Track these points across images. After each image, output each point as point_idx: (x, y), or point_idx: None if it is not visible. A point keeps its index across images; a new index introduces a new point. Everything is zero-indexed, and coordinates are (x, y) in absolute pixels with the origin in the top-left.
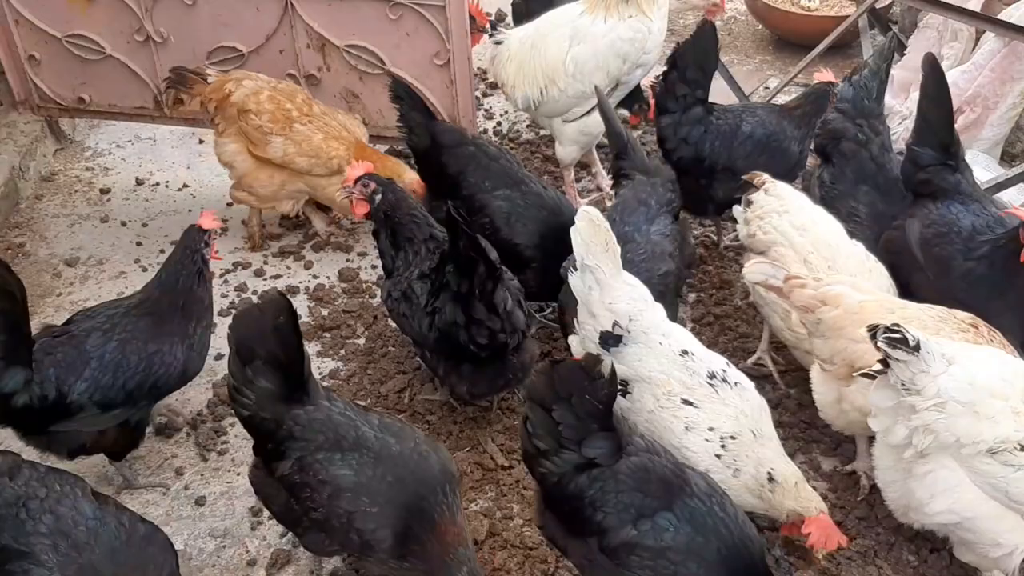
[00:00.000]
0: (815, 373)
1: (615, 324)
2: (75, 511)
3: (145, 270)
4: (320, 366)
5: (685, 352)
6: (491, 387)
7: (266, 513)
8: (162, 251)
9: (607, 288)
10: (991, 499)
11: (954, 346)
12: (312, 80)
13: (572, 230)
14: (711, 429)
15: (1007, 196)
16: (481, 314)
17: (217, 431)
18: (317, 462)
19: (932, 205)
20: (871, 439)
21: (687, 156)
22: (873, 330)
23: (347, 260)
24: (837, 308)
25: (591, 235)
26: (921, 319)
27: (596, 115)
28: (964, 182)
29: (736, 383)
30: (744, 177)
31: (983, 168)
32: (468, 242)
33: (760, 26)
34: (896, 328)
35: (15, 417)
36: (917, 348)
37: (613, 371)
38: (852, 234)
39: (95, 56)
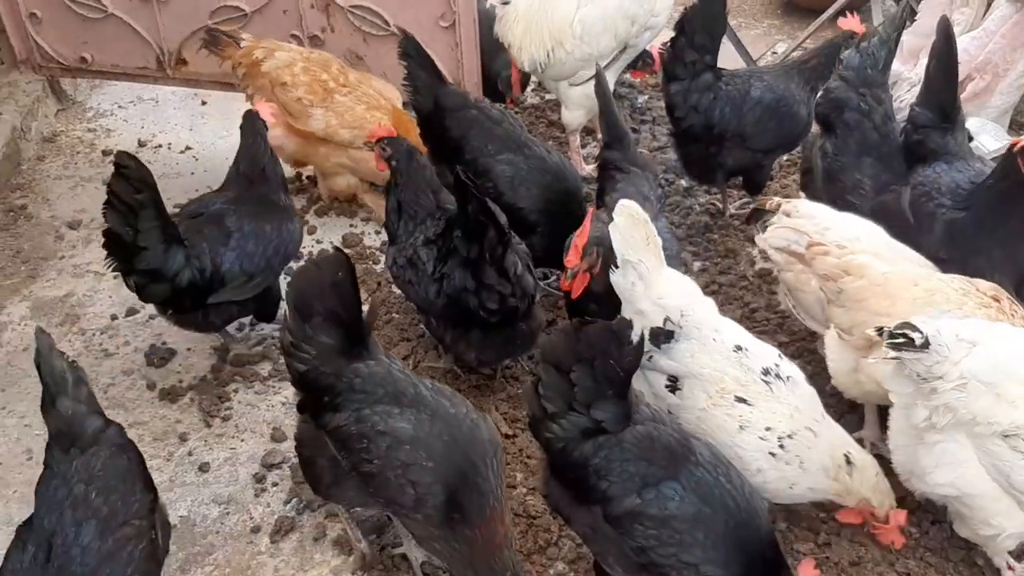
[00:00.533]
0: (831, 340)
1: (667, 320)
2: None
3: None
4: None
5: (739, 348)
6: (499, 354)
7: (270, 480)
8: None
9: (652, 283)
10: (992, 480)
11: (980, 326)
12: (316, 41)
13: (611, 226)
14: (768, 429)
15: None
16: (492, 279)
17: (221, 397)
18: (376, 414)
19: (921, 168)
20: (880, 408)
21: (697, 124)
22: (879, 331)
23: (351, 225)
24: (861, 279)
25: (630, 230)
26: (944, 291)
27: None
28: (952, 143)
29: (788, 377)
30: (755, 204)
31: (991, 136)
32: (478, 206)
33: None
34: (899, 332)
35: (180, 296)
36: (925, 345)
37: (642, 339)
38: (857, 207)
39: (97, 14)
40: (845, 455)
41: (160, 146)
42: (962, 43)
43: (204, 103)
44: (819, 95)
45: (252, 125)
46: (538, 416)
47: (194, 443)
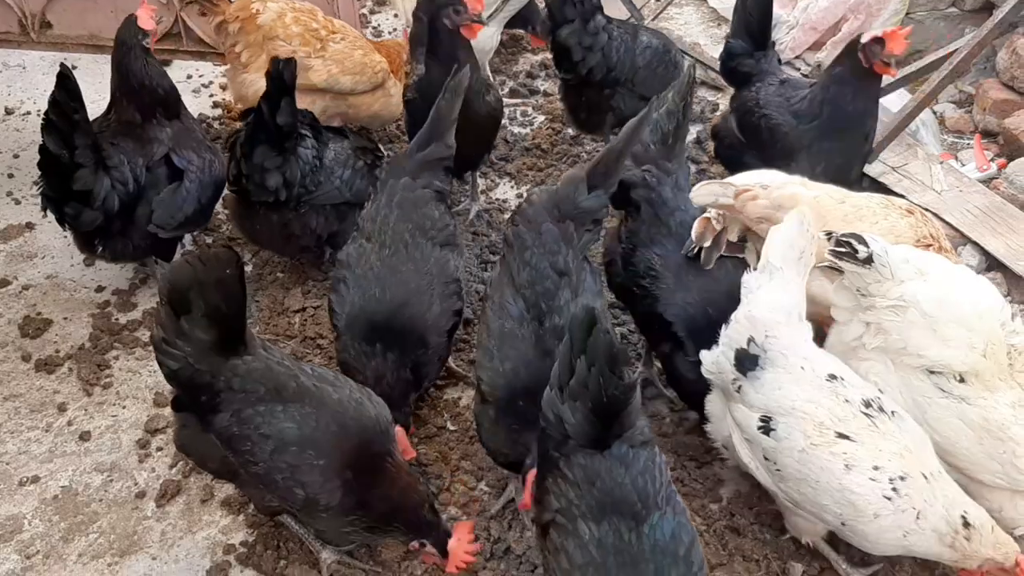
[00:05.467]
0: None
1: (750, 340)
2: None
3: (18, 203)
4: None
5: (833, 377)
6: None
7: (155, 445)
8: (36, 183)
9: (769, 295)
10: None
11: (935, 260)
12: None
13: (774, 228)
14: (876, 468)
15: (888, 100)
16: (236, 158)
17: (100, 365)
18: (259, 415)
19: (740, 92)
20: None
21: (596, 64)
22: (828, 234)
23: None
24: (794, 208)
25: (795, 238)
26: (870, 206)
27: (488, 30)
28: (765, 64)
29: (893, 412)
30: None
31: None
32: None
33: None
34: (845, 241)
35: (110, 221)
36: (868, 261)
37: (631, 386)
38: (653, 294)
39: None
40: (962, 516)
41: (28, 113)
42: None
43: (74, 67)
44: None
45: (128, 30)
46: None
47: (74, 412)
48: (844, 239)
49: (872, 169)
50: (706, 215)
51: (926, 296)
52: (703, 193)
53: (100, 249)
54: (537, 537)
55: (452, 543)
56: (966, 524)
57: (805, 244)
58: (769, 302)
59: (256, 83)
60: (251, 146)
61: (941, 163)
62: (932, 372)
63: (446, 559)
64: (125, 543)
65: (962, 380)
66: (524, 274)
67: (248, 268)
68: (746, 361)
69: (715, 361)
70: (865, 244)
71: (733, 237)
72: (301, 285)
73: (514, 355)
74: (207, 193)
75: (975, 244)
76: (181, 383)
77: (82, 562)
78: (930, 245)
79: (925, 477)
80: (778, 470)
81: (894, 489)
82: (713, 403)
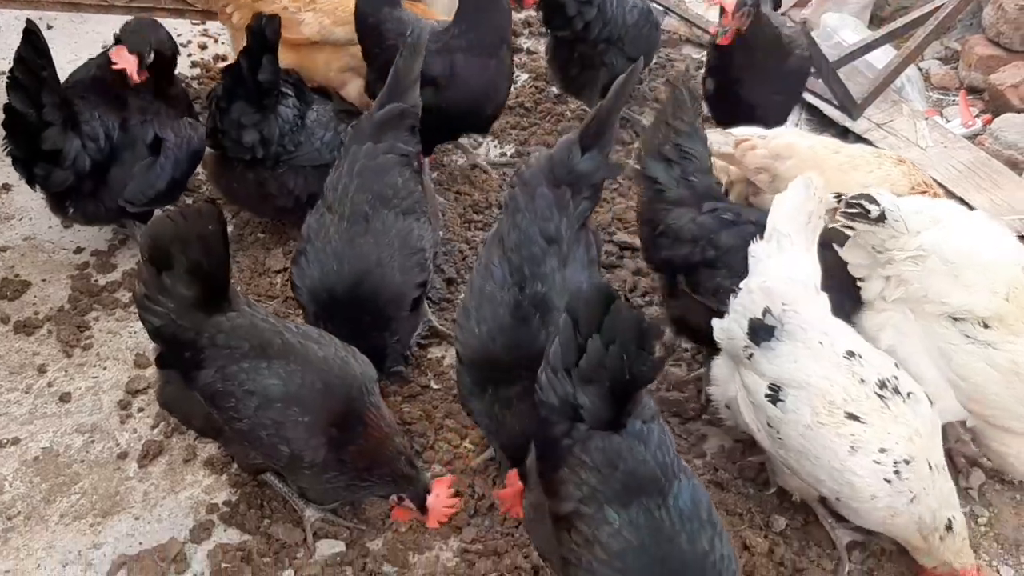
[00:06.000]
0: None
1: (766, 311)
2: None
3: None
4: None
5: (851, 354)
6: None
7: (136, 405)
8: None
9: (779, 263)
10: (933, 364)
11: (948, 207)
12: None
13: (779, 195)
14: (882, 451)
15: (873, 57)
16: (213, 112)
17: (80, 326)
18: (243, 371)
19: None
20: None
21: (593, 20)
22: (838, 197)
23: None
24: (791, 158)
25: (801, 203)
26: (864, 156)
27: None
28: None
29: (909, 394)
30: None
31: (851, 31)
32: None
33: None
34: (855, 202)
35: (81, 180)
36: (881, 219)
37: (664, 359)
38: None
39: None
40: (949, 519)
41: (3, 73)
42: None
43: (50, 27)
44: None
45: None
46: (542, 366)
47: (54, 374)
48: (854, 201)
49: (857, 126)
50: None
51: (946, 243)
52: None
53: (71, 211)
54: (553, 532)
55: (431, 499)
56: (948, 527)
57: (813, 208)
58: (784, 273)
59: None
60: (228, 101)
61: (926, 119)
62: (956, 319)
63: (425, 515)
64: (107, 504)
65: (986, 326)
66: (513, 237)
67: (229, 228)
68: (761, 331)
69: (726, 328)
70: (876, 203)
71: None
72: (283, 246)
73: (490, 318)
74: (182, 168)
75: (959, 199)
76: (164, 340)
77: (64, 523)
78: (924, 192)
79: (930, 466)
80: (780, 439)
81: (896, 472)
82: (719, 366)
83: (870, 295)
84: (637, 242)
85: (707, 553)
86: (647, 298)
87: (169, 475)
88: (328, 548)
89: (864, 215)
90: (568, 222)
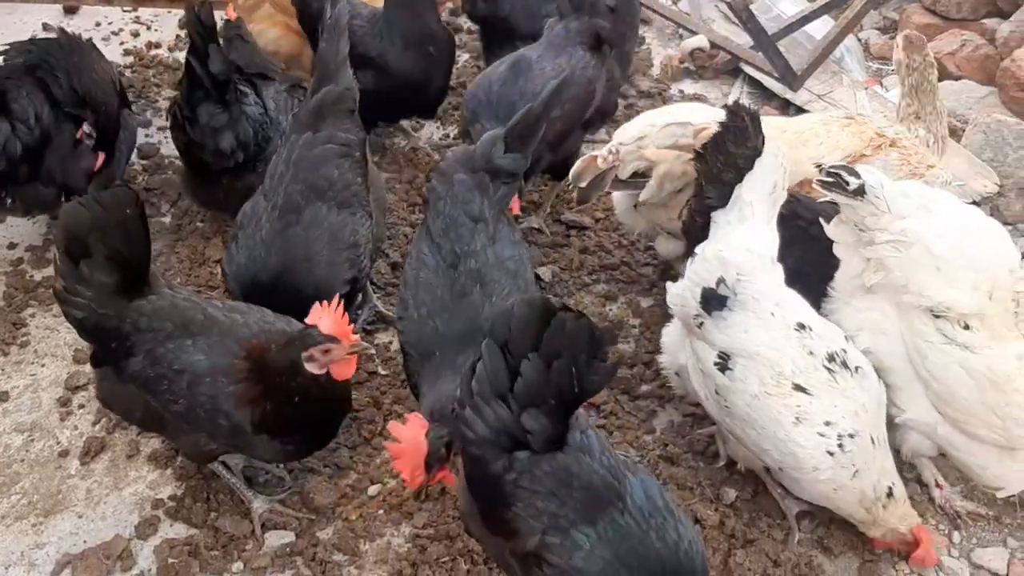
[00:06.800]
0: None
1: (720, 281)
2: None
3: None
4: None
5: (802, 326)
6: (202, 200)
7: (76, 402)
8: None
9: (736, 233)
10: (908, 362)
11: (944, 198)
12: None
13: (757, 161)
14: (827, 424)
15: (812, 28)
16: (179, 122)
17: (16, 323)
18: (170, 352)
19: None
20: None
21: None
22: (819, 166)
23: (146, 136)
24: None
25: (768, 172)
26: (812, 128)
27: None
28: None
29: (857, 368)
30: (578, 185)
31: (790, 3)
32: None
33: None
34: (834, 172)
35: (14, 167)
36: (859, 192)
37: (615, 365)
38: None
39: None
40: (889, 487)
41: None
42: None
43: None
44: None
45: None
46: (463, 400)
47: None
48: (834, 170)
49: (798, 97)
50: (593, 154)
51: (932, 233)
52: (664, 135)
53: (9, 201)
54: (519, 570)
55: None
56: (889, 494)
57: (778, 179)
58: (742, 242)
59: (266, 33)
60: (192, 108)
61: (866, 89)
62: (937, 316)
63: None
64: (50, 503)
65: (966, 327)
66: (438, 224)
67: (167, 219)
68: (713, 301)
69: (679, 295)
70: (856, 175)
71: (624, 175)
72: (222, 235)
73: (429, 300)
74: (122, 163)
75: None
76: (89, 331)
77: (5, 524)
78: (880, 145)
79: (873, 441)
80: (727, 407)
81: (840, 445)
82: (670, 333)
83: (848, 275)
84: (585, 221)
85: (677, 543)
86: (593, 276)
87: (112, 472)
88: (277, 539)
89: (842, 186)
90: (489, 203)
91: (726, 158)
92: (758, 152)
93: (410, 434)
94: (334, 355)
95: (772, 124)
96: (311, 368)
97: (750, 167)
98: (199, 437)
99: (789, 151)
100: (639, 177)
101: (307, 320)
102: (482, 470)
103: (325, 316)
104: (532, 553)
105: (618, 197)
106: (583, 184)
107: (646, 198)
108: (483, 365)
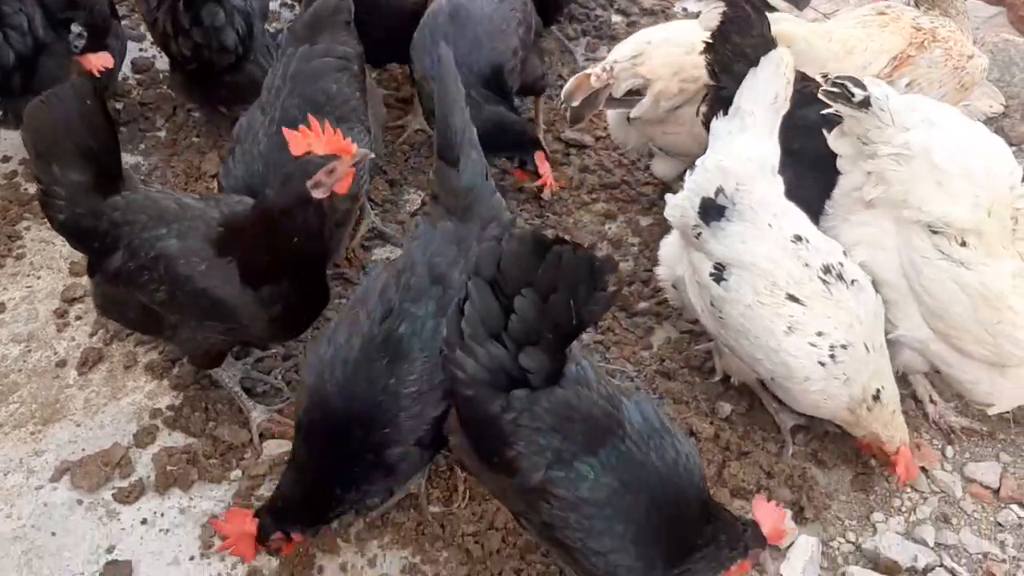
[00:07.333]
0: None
1: (719, 190)
2: None
3: None
4: None
5: (798, 238)
6: (204, 100)
7: (73, 314)
8: None
9: (737, 142)
10: (903, 278)
11: (949, 112)
12: None
13: (752, 71)
14: (819, 334)
15: None
16: (183, 26)
17: (12, 236)
18: (146, 242)
19: None
20: None
21: None
22: (824, 76)
23: (140, 49)
24: (789, 47)
25: (770, 80)
26: (854, 35)
27: None
28: None
29: (853, 281)
30: (574, 103)
31: None
32: None
33: None
34: (840, 83)
35: (7, 77)
36: (865, 104)
37: (614, 294)
38: None
39: None
40: (878, 389)
41: None
42: None
43: None
44: None
45: None
46: (452, 342)
47: None
48: (839, 81)
49: (805, 15)
50: (586, 72)
51: (936, 146)
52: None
53: (2, 113)
54: (528, 511)
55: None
56: (876, 397)
57: (780, 88)
58: (742, 152)
59: None
60: (195, 11)
61: (872, 6)
62: (934, 232)
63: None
64: (48, 411)
65: (963, 244)
66: (401, 260)
67: (162, 134)
68: (711, 211)
69: (679, 205)
70: (862, 87)
71: (618, 93)
72: (217, 149)
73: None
74: (115, 73)
75: None
76: (71, 233)
77: (3, 432)
78: (923, 42)
79: (867, 348)
80: (721, 318)
81: (831, 356)
82: (668, 245)
83: (847, 187)
84: (585, 139)
85: (676, 460)
86: (593, 195)
87: (110, 382)
88: (275, 448)
89: (847, 98)
90: (463, 266)
91: (733, 48)
92: (766, 40)
93: (234, 528)
94: (338, 172)
95: (818, 33)
96: (318, 194)
97: (761, 54)
98: (194, 331)
99: (836, 64)
100: (634, 95)
101: (293, 152)
102: (478, 411)
103: (314, 140)
104: (537, 488)
105: (611, 111)
106: (575, 103)
107: (639, 114)
108: (472, 304)
